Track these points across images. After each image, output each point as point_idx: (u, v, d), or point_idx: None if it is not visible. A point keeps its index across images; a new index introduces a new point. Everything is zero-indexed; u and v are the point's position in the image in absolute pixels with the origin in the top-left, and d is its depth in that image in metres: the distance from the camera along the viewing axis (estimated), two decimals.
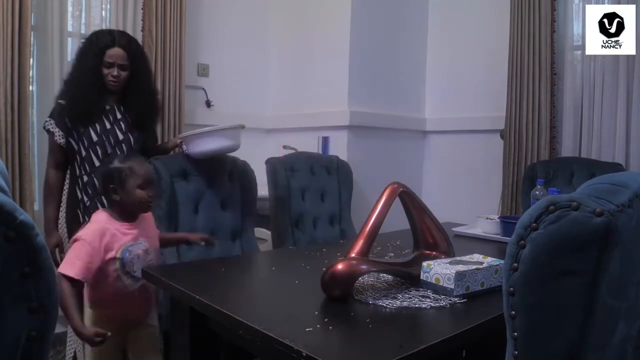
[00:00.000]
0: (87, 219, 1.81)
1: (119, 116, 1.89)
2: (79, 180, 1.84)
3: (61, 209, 1.89)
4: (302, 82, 3.07)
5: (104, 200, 1.84)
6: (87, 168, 1.83)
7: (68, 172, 1.90)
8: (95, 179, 1.82)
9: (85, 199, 1.84)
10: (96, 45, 1.81)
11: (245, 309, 1.08)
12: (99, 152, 1.83)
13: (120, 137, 1.88)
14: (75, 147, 1.83)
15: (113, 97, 1.89)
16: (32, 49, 2.27)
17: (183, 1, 2.68)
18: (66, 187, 1.90)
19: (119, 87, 1.85)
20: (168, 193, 1.86)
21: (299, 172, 2.31)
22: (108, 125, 1.86)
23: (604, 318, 0.65)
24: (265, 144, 3.23)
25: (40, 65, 2.37)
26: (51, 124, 1.82)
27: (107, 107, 1.87)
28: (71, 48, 2.46)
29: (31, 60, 2.27)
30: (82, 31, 2.47)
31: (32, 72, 2.30)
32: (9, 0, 2.09)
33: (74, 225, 1.82)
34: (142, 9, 2.59)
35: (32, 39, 2.25)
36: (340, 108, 2.76)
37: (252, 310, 1.10)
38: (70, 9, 2.43)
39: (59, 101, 1.85)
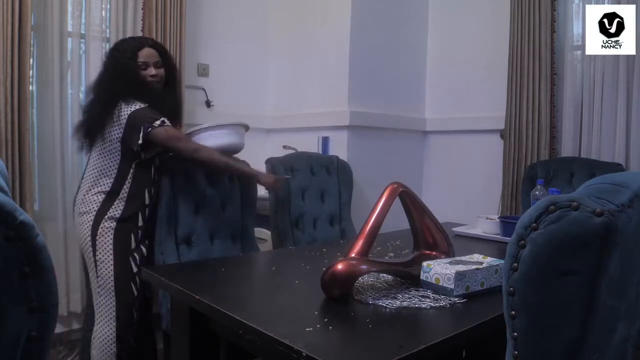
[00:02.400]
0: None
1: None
2: (153, 182, 1.86)
3: (113, 206, 1.77)
4: (302, 82, 3.07)
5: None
6: (160, 171, 1.89)
7: (131, 172, 1.80)
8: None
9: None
10: (126, 50, 1.78)
11: (246, 309, 1.09)
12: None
13: None
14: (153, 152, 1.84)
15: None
16: (32, 49, 2.27)
17: (183, 1, 2.68)
18: (127, 186, 1.79)
19: (161, 86, 1.85)
20: (168, 193, 1.86)
21: (299, 172, 2.31)
22: None
23: (604, 318, 0.65)
24: (265, 144, 3.23)
25: (40, 65, 2.37)
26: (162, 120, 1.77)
27: None
28: (71, 48, 2.46)
29: (31, 60, 2.27)
30: (82, 31, 2.47)
31: (32, 72, 2.30)
32: (9, 0, 2.09)
33: (127, 223, 1.78)
34: (142, 9, 2.59)
35: (32, 39, 2.25)
36: (340, 108, 2.76)
37: (252, 310, 1.10)
38: (70, 9, 2.43)
39: (142, 105, 1.76)
